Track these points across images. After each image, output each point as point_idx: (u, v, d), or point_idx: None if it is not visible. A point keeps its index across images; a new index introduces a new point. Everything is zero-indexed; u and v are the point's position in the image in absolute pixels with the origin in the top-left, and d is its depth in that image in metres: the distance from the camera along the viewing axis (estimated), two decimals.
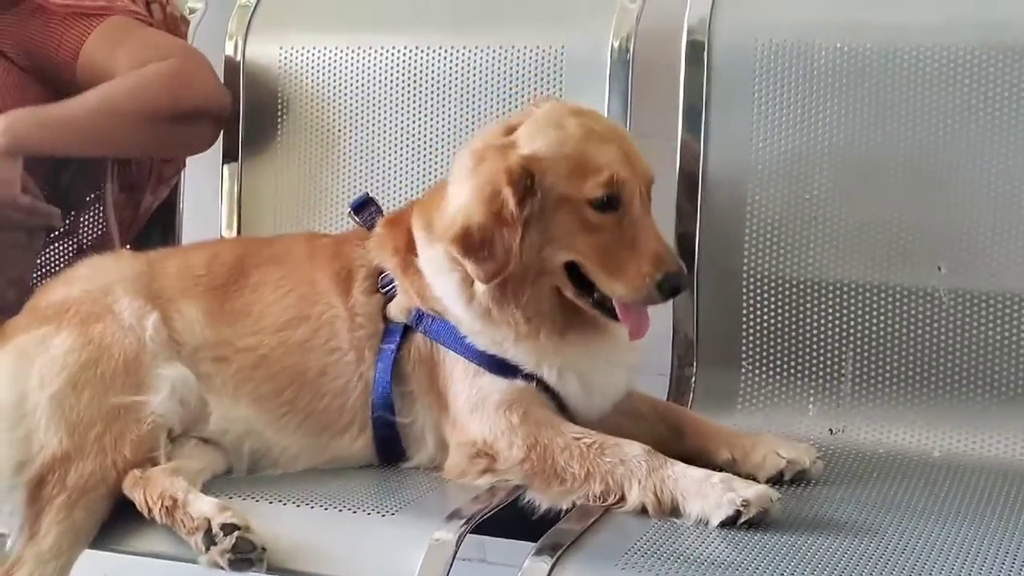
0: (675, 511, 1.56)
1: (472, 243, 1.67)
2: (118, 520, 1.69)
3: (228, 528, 1.55)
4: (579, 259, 1.68)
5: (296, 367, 1.82)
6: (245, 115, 2.42)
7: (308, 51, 2.39)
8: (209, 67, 2.33)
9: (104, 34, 2.30)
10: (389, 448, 1.82)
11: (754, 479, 1.66)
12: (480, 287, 1.71)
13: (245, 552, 1.54)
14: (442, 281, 1.76)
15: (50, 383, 1.74)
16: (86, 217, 2.55)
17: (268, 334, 1.84)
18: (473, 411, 1.74)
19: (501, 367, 1.74)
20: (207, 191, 2.48)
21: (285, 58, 2.40)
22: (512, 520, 1.66)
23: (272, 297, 1.87)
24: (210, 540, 1.55)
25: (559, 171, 1.67)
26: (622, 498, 1.59)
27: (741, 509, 1.50)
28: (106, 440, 1.70)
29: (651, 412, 1.88)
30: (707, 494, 1.54)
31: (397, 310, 1.81)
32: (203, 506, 1.60)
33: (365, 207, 1.94)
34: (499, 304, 1.72)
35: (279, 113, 2.40)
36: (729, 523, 1.50)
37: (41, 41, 2.31)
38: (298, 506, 1.67)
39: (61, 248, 2.54)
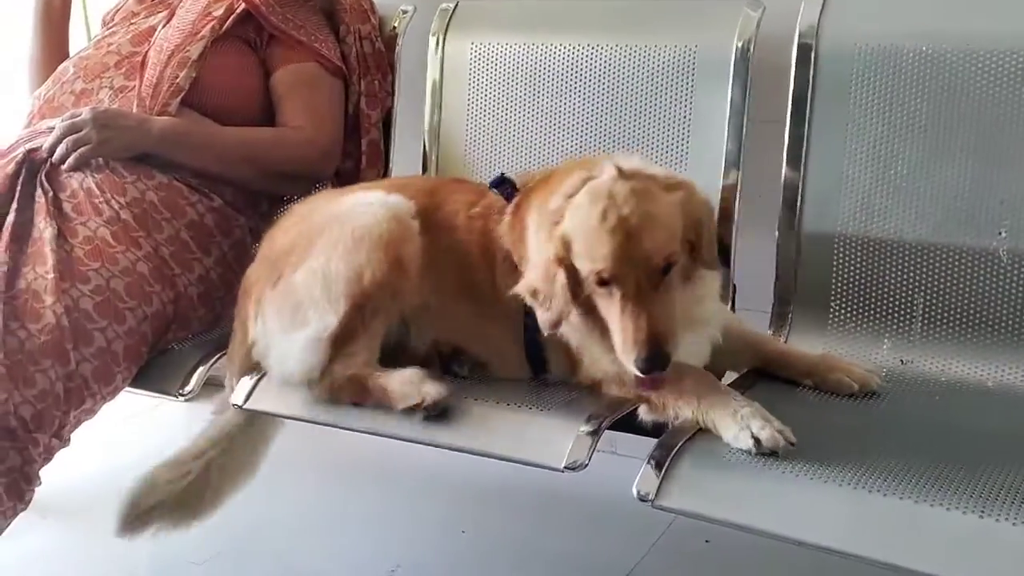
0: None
1: (537, 299, 1.74)
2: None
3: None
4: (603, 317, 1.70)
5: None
6: (471, 92, 2.50)
7: (493, 46, 2.48)
8: (334, 149, 2.45)
9: (294, 72, 2.45)
10: (537, 367, 1.91)
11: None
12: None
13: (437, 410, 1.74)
14: None
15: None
16: None
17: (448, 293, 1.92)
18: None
19: None
20: (413, 133, 2.60)
21: (475, 52, 2.51)
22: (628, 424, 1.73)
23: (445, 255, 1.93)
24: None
25: (579, 249, 1.67)
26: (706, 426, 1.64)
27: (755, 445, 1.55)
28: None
29: (748, 349, 1.94)
30: (735, 426, 1.58)
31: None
32: (428, 386, 1.76)
33: (502, 184, 1.96)
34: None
35: (468, 92, 2.49)
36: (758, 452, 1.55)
37: (267, 51, 2.48)
38: (487, 404, 1.78)
39: None
